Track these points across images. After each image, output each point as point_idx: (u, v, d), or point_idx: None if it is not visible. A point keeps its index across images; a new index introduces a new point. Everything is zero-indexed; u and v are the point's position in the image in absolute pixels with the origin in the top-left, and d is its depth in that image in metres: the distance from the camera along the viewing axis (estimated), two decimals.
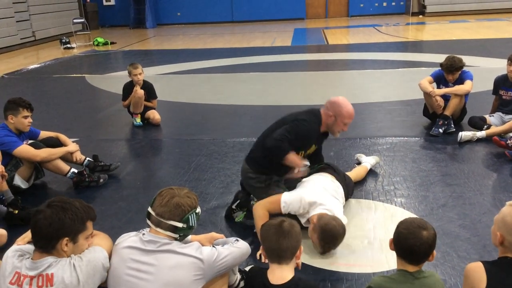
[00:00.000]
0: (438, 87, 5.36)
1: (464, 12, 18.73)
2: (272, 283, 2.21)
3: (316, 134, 3.38)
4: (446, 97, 5.24)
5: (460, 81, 5.18)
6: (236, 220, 3.50)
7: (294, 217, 3.06)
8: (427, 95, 5.27)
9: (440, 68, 5.32)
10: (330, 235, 2.92)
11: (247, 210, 3.45)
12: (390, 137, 5.18)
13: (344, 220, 3.27)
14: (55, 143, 4.33)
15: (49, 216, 1.96)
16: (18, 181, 4.06)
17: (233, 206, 3.50)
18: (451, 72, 5.11)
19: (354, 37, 14.93)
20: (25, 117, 4.07)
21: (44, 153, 4.10)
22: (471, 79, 5.14)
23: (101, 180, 4.29)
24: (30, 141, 4.22)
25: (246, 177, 3.48)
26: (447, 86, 5.27)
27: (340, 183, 3.46)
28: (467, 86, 5.10)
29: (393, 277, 2.12)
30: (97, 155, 4.56)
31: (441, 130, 5.11)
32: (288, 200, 3.10)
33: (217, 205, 3.69)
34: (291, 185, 3.47)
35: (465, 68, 5.28)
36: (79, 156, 4.38)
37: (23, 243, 2.14)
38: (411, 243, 2.04)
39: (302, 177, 3.46)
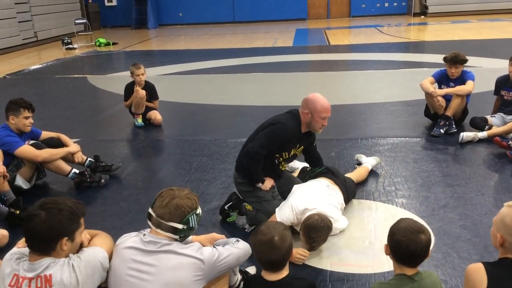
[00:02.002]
0: (440, 88, 5.35)
1: (466, 13, 18.71)
2: (266, 279, 2.29)
3: (296, 134, 3.36)
4: (447, 98, 5.24)
5: (461, 81, 5.17)
6: (228, 220, 3.52)
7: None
8: (429, 95, 5.27)
9: (441, 69, 5.32)
10: (311, 227, 2.95)
11: (239, 211, 3.48)
12: (392, 138, 5.18)
13: (344, 222, 3.29)
14: (56, 143, 4.34)
15: (47, 218, 1.93)
16: (20, 181, 4.07)
17: (226, 207, 3.53)
18: (454, 64, 5.12)
19: (356, 37, 14.92)
20: (26, 117, 4.08)
21: (46, 153, 4.11)
22: (473, 80, 5.13)
23: (102, 181, 4.30)
24: (31, 142, 4.23)
25: (236, 182, 3.56)
26: (448, 86, 5.26)
27: (339, 187, 3.47)
28: (468, 87, 5.10)
29: (392, 282, 2.12)
30: (99, 156, 4.57)
31: (442, 131, 5.10)
32: (283, 215, 3.15)
33: (218, 205, 3.69)
34: (284, 189, 3.48)
35: (467, 68, 5.28)
36: (80, 156, 4.38)
37: (23, 246, 2.13)
38: (412, 250, 2.04)
39: (296, 183, 3.53)
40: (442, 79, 5.33)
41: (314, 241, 2.98)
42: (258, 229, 2.36)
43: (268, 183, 3.41)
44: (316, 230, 2.95)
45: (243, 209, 3.44)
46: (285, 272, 2.29)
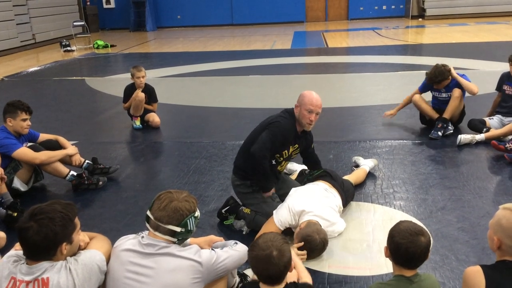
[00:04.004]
0: (432, 95, 5.44)
1: (464, 16, 18.77)
2: None
3: (292, 132, 3.39)
4: (439, 105, 5.29)
5: (453, 86, 5.15)
6: (225, 223, 3.52)
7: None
8: (417, 104, 5.37)
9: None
10: (308, 247, 2.94)
11: (236, 216, 3.48)
12: (389, 140, 5.19)
13: (342, 225, 3.29)
14: (54, 145, 4.33)
15: (40, 231, 1.90)
16: (17, 183, 4.06)
17: (223, 211, 3.53)
18: (434, 83, 5.17)
19: (354, 40, 14.95)
20: (24, 120, 4.07)
21: (43, 155, 4.10)
22: (466, 79, 5.14)
23: (100, 183, 4.29)
24: (29, 144, 4.23)
25: (233, 185, 3.57)
26: (440, 93, 5.30)
27: (338, 190, 3.47)
28: (474, 87, 5.06)
29: (391, 283, 2.12)
30: (96, 158, 4.57)
31: (440, 133, 5.11)
32: (280, 217, 3.15)
33: (216, 208, 3.68)
34: (282, 192, 3.47)
35: (463, 71, 5.28)
36: (78, 159, 4.38)
37: (21, 248, 2.12)
38: (412, 252, 2.04)
39: (294, 186, 3.53)
40: (433, 88, 5.34)
41: (305, 253, 2.97)
42: (256, 243, 2.15)
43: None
44: (311, 250, 2.95)
45: (241, 213, 3.44)
46: (283, 284, 2.12)
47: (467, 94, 5.27)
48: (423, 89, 5.43)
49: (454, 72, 5.15)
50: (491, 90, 5.37)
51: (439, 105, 5.31)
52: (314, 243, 2.93)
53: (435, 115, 5.28)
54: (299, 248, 2.92)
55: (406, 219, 2.23)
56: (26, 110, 4.08)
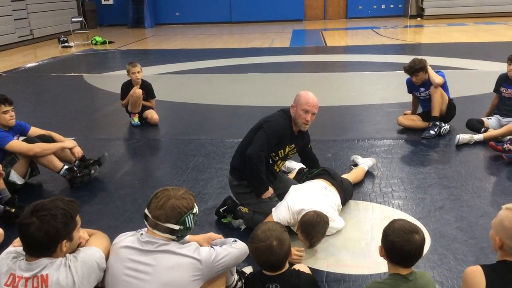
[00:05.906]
0: (413, 94, 5.50)
1: (463, 15, 18.78)
2: (267, 274, 2.28)
3: (287, 131, 3.38)
4: (427, 106, 5.34)
5: (430, 84, 5.19)
6: (223, 221, 3.51)
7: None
8: (404, 125, 5.46)
9: (408, 77, 5.38)
10: (308, 224, 2.96)
11: (234, 215, 3.48)
12: (388, 139, 5.19)
13: (341, 222, 3.29)
14: (49, 141, 4.26)
15: (41, 227, 1.90)
16: (14, 177, 4.04)
17: (221, 210, 3.52)
18: (413, 74, 5.19)
19: (352, 39, 14.95)
20: (5, 112, 3.99)
21: (38, 147, 4.05)
22: (443, 76, 5.16)
23: (92, 172, 4.25)
24: (22, 138, 4.19)
25: (231, 185, 3.56)
26: (419, 92, 5.35)
27: (337, 189, 3.47)
28: (437, 78, 5.09)
29: (387, 282, 2.12)
30: (84, 155, 4.43)
31: (432, 132, 5.13)
32: (279, 215, 3.15)
33: (214, 205, 3.68)
34: (281, 191, 3.47)
35: (454, 70, 5.30)
36: (79, 150, 4.32)
37: (19, 244, 2.10)
38: (406, 250, 2.04)
39: (293, 184, 3.52)
40: (413, 87, 5.41)
41: (313, 237, 2.97)
42: (255, 235, 2.26)
43: (268, 193, 3.43)
44: (313, 226, 2.95)
45: (239, 213, 3.43)
46: (285, 268, 2.28)
47: (451, 90, 5.34)
48: (409, 90, 5.52)
49: (428, 65, 5.20)
50: (488, 90, 5.38)
51: (427, 106, 5.37)
52: (313, 218, 2.95)
53: (424, 124, 5.32)
54: (303, 232, 2.95)
55: (400, 218, 2.23)
56: (4, 102, 4.00)
